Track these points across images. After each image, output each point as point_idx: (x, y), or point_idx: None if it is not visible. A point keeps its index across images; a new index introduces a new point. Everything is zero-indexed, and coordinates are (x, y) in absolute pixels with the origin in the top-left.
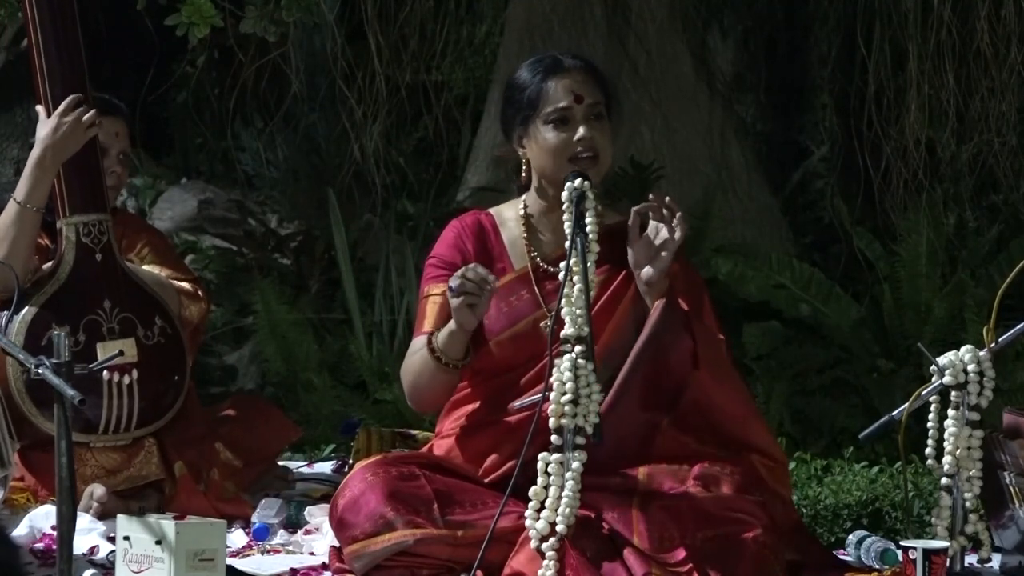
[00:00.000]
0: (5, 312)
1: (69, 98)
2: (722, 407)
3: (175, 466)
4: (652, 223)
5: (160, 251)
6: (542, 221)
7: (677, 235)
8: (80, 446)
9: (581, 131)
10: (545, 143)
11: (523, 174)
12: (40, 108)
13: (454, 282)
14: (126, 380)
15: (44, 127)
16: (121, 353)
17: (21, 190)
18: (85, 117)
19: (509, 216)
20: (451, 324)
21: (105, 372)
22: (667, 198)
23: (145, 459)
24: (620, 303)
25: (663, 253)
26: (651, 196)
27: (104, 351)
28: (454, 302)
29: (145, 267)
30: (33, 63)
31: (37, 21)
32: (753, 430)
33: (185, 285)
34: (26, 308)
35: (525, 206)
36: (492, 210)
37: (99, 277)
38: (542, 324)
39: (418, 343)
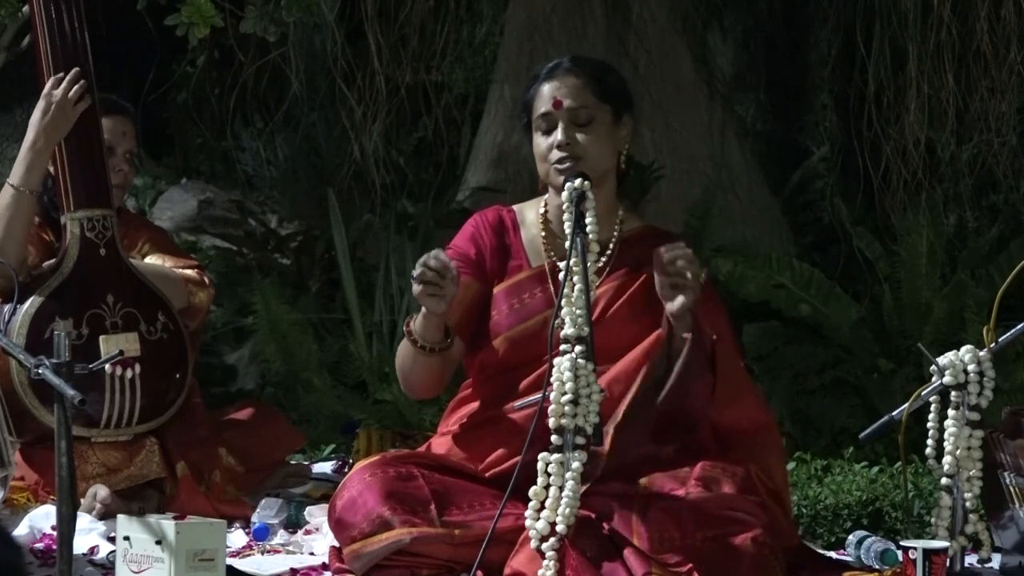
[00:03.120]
0: (7, 306)
1: (53, 77)
2: (732, 425)
3: (177, 466)
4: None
5: (159, 242)
6: (559, 221)
7: (691, 278)
8: (81, 442)
9: (557, 135)
10: (535, 148)
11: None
12: None
13: (416, 270)
14: (128, 375)
15: (35, 112)
16: (121, 353)
17: (16, 174)
18: (71, 92)
19: (530, 214)
20: (423, 308)
21: (107, 366)
22: (679, 250)
23: (146, 458)
24: (635, 307)
25: (682, 295)
26: (663, 250)
27: (107, 345)
28: (416, 289)
29: (148, 259)
30: (38, 59)
31: (42, 16)
32: (764, 448)
33: (190, 272)
34: (30, 301)
35: (545, 205)
36: (516, 207)
37: (102, 271)
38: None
39: None
